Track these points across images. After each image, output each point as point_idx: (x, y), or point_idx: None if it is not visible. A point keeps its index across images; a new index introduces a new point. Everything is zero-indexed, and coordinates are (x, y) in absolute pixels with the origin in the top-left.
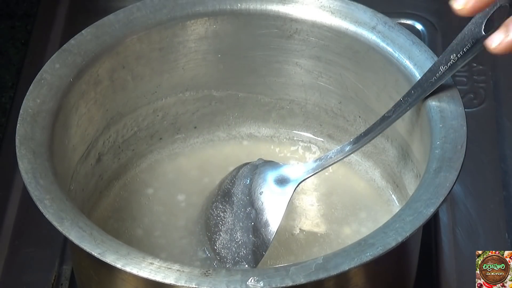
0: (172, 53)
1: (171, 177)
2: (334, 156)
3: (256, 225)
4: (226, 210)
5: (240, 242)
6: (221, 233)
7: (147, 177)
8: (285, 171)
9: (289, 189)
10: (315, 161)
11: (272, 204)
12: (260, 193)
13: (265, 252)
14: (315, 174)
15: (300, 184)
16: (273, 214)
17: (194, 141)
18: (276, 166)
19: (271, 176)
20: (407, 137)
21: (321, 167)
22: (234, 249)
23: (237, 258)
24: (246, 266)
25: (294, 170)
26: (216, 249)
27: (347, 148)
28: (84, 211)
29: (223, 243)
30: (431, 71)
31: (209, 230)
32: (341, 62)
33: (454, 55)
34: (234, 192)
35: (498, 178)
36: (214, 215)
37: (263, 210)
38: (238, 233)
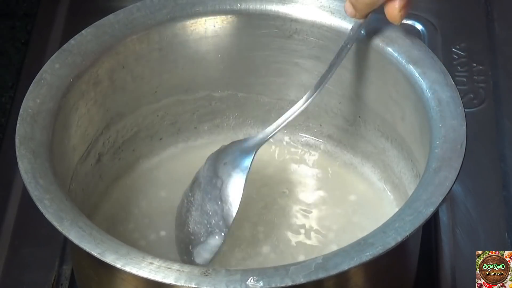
0: (172, 53)
1: (172, 177)
2: (288, 116)
3: (222, 191)
4: (196, 193)
5: (210, 212)
6: (192, 213)
7: (147, 177)
8: (246, 141)
9: (251, 150)
10: (272, 125)
11: (236, 167)
12: (224, 164)
13: (235, 214)
14: (273, 135)
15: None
16: (238, 175)
17: (194, 141)
18: (238, 141)
19: (234, 148)
20: (407, 137)
21: (277, 128)
22: (206, 221)
23: (210, 228)
24: (217, 231)
25: (254, 137)
26: (190, 230)
27: (295, 111)
28: (84, 211)
29: (195, 220)
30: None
31: (179, 218)
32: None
33: None
34: (200, 176)
35: (498, 178)
36: (185, 204)
37: (228, 176)
38: (207, 205)
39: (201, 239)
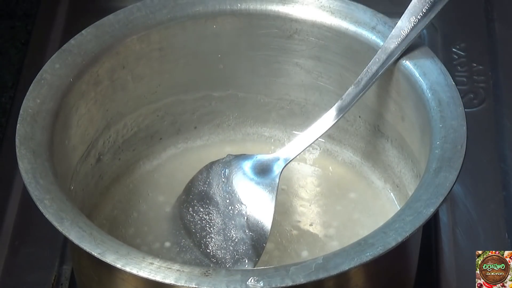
0: (172, 53)
1: (171, 177)
2: (306, 140)
3: (250, 220)
4: (211, 212)
5: (236, 240)
6: (212, 236)
7: (147, 177)
8: (260, 160)
9: (274, 176)
10: (289, 147)
11: (262, 195)
12: (246, 188)
13: (265, 244)
14: (294, 159)
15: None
16: (265, 205)
17: (194, 141)
18: (249, 157)
19: (248, 168)
20: (407, 137)
21: (297, 152)
22: (231, 248)
23: (237, 256)
24: (247, 261)
25: (270, 157)
26: (210, 252)
27: (318, 132)
28: (84, 211)
29: (217, 244)
30: (394, 36)
31: (193, 236)
32: (341, 62)
33: (414, 17)
34: (214, 192)
35: (498, 178)
36: (196, 220)
37: (254, 204)
38: (232, 231)
39: (227, 265)
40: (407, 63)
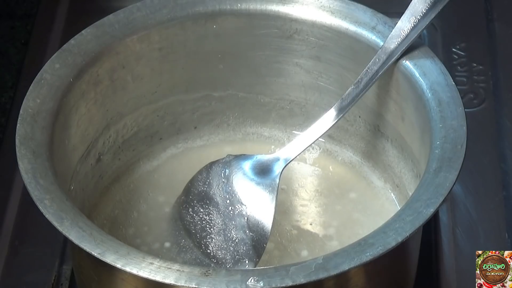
0: (172, 53)
1: (171, 177)
2: (306, 140)
3: (250, 220)
4: (211, 212)
5: (237, 240)
6: (212, 236)
7: (147, 177)
8: (260, 160)
9: (274, 177)
10: (289, 147)
11: (262, 196)
12: (246, 188)
13: (265, 244)
14: (294, 159)
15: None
16: (265, 206)
17: (194, 141)
18: (249, 158)
19: (248, 169)
20: (407, 137)
21: (297, 152)
22: (232, 248)
23: (237, 256)
24: (247, 262)
25: (270, 157)
26: (210, 253)
27: (318, 132)
28: (84, 211)
29: (218, 245)
30: (394, 36)
31: (193, 236)
32: (341, 62)
33: (414, 17)
34: (214, 193)
35: (498, 178)
36: (196, 220)
37: (254, 204)
38: (232, 232)
39: (228, 266)
40: (407, 63)
